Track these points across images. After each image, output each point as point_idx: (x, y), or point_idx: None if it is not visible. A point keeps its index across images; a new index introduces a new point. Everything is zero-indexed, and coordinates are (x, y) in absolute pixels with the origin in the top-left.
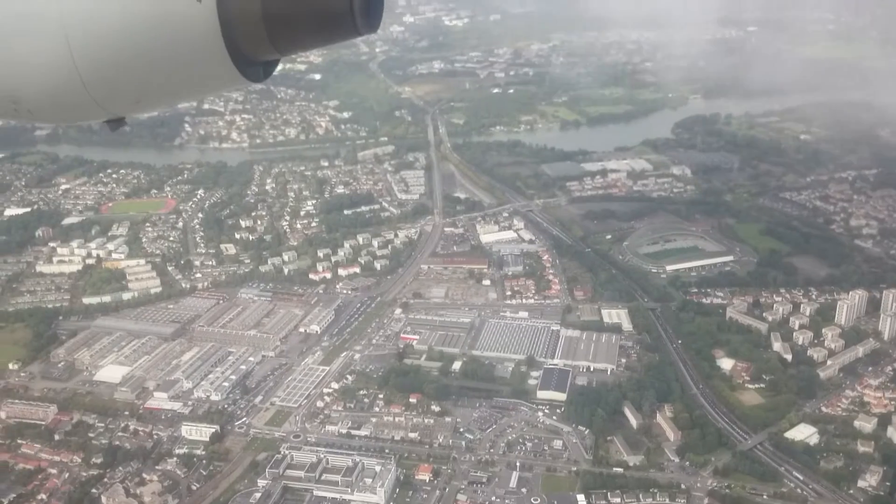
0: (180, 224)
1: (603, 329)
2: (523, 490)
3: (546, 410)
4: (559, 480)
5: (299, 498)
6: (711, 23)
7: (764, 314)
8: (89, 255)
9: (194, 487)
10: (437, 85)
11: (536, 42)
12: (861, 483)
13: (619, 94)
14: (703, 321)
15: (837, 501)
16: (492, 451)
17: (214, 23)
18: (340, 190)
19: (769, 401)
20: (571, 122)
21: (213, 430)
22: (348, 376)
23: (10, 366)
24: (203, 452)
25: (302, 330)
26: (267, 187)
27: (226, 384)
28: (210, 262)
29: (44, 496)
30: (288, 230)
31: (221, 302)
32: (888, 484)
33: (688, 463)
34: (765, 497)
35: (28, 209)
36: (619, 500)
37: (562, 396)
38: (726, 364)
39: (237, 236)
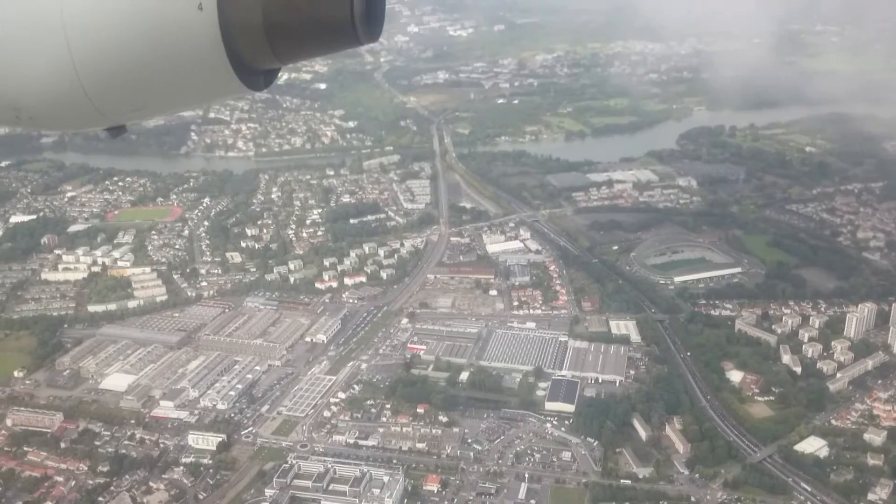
0: (186, 232)
1: (611, 340)
2: (532, 502)
3: (554, 422)
4: (568, 492)
5: None
6: (716, 35)
7: (773, 326)
8: (95, 263)
9: (201, 496)
10: (442, 95)
11: (541, 52)
12: (871, 496)
13: (623, 105)
14: (712, 333)
15: None
16: (500, 462)
17: (215, 31)
18: (346, 199)
19: (779, 413)
20: (576, 133)
21: (220, 439)
22: (355, 386)
23: (16, 373)
24: (210, 461)
25: (308, 339)
26: (273, 196)
27: (232, 393)
28: (216, 271)
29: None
30: (294, 239)
31: (227, 311)
32: None
33: (697, 475)
34: None
35: (34, 216)
36: None
37: (570, 408)
38: (735, 376)
39: (243, 245)
